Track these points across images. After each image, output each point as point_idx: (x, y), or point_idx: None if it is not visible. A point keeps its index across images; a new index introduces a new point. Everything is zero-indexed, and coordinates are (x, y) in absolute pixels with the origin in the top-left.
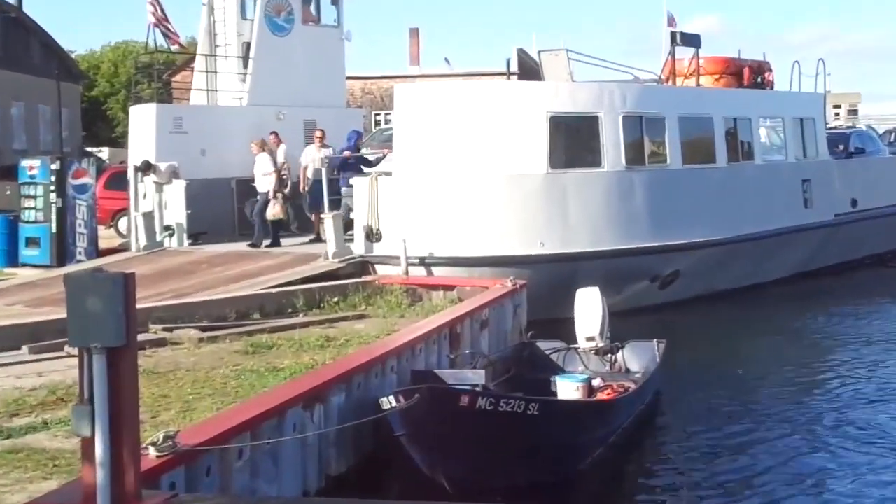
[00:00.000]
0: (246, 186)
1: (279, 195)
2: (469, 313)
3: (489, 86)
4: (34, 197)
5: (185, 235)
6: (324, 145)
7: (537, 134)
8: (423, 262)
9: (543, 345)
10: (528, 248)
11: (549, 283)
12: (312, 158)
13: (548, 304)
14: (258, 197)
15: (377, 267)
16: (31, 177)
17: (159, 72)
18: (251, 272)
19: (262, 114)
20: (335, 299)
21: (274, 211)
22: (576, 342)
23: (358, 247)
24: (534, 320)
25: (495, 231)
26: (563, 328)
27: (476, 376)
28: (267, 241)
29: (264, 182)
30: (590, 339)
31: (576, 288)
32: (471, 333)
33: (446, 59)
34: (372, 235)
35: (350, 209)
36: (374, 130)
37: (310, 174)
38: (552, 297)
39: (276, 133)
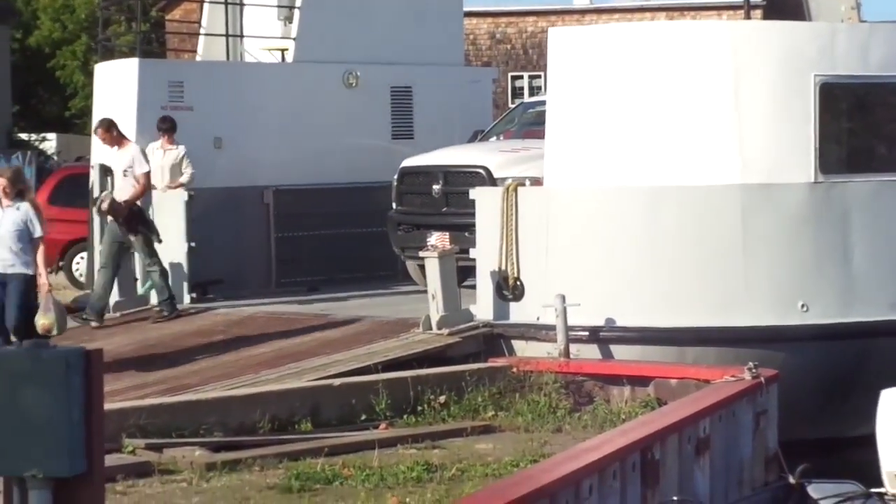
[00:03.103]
0: (292, 201)
1: (46, 285)
2: (675, 427)
3: (710, 30)
4: None
5: (185, 285)
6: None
7: (797, 114)
8: (594, 335)
9: (820, 488)
10: (781, 312)
11: (818, 374)
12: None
13: (817, 413)
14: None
15: (515, 343)
16: None
17: (146, 3)
18: (298, 349)
19: (318, 76)
20: (441, 398)
21: (43, 321)
22: (881, 483)
23: (483, 309)
24: (792, 441)
25: (720, 284)
26: (849, 458)
27: None
28: None
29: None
30: None
31: (870, 384)
32: (679, 463)
33: None
34: (506, 289)
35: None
36: (511, 106)
37: None
38: (825, 400)
39: (168, 123)
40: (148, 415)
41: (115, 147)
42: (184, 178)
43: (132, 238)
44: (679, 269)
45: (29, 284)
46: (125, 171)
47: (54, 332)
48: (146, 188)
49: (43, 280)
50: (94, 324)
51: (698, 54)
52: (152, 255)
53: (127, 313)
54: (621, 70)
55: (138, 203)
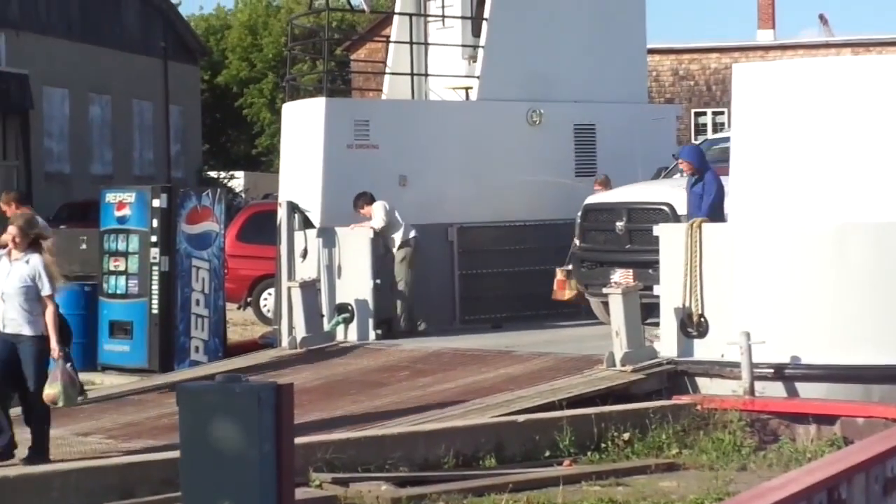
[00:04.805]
0: (476, 238)
1: (56, 350)
2: (863, 466)
3: None
4: (125, 254)
5: (370, 321)
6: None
7: None
8: (780, 372)
9: None
10: None
11: None
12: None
13: None
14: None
15: (699, 381)
16: (121, 220)
17: (332, 43)
18: (482, 386)
19: (502, 114)
20: (625, 435)
21: (49, 391)
22: None
23: (667, 345)
24: None
25: None
26: None
27: None
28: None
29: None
30: None
31: None
32: (866, 502)
33: (822, 18)
34: (690, 326)
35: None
36: (696, 141)
37: None
38: None
39: (363, 199)
40: (334, 449)
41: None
42: (373, 223)
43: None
44: (866, 306)
45: (43, 346)
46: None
47: (60, 402)
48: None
49: (53, 344)
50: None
51: (886, 89)
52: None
53: (313, 349)
54: (807, 106)
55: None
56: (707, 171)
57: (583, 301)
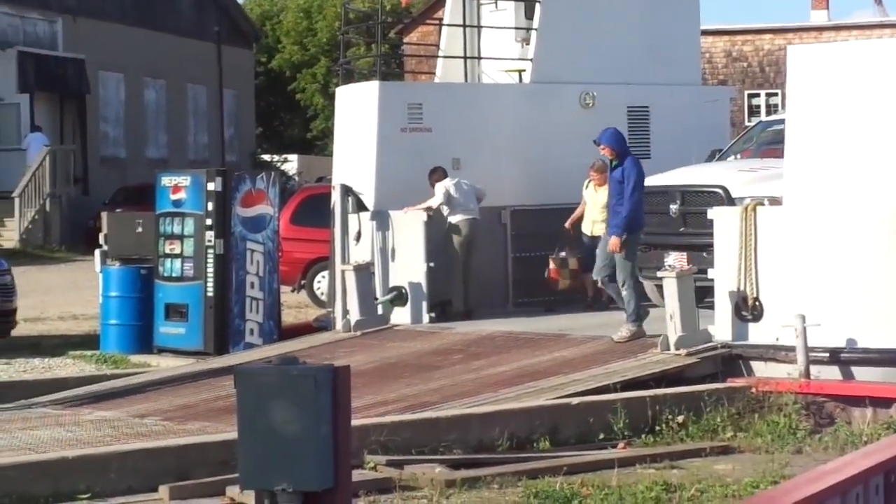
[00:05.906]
0: (529, 221)
1: None
2: None
3: None
4: (180, 237)
5: (424, 305)
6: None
7: None
8: (835, 356)
9: None
10: None
11: None
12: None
13: None
14: None
15: (754, 364)
16: (176, 204)
17: (385, 27)
18: (536, 369)
19: (555, 97)
20: (680, 418)
21: None
22: None
23: (721, 329)
24: None
25: None
26: None
27: None
28: None
29: None
30: None
31: None
32: None
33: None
34: (745, 310)
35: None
36: (749, 125)
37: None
38: None
39: (436, 174)
40: (389, 432)
41: None
42: (430, 201)
43: None
44: None
45: None
46: None
47: None
48: None
49: None
50: None
51: None
52: None
53: (367, 332)
54: (863, 87)
55: None
56: (627, 156)
57: (583, 290)
